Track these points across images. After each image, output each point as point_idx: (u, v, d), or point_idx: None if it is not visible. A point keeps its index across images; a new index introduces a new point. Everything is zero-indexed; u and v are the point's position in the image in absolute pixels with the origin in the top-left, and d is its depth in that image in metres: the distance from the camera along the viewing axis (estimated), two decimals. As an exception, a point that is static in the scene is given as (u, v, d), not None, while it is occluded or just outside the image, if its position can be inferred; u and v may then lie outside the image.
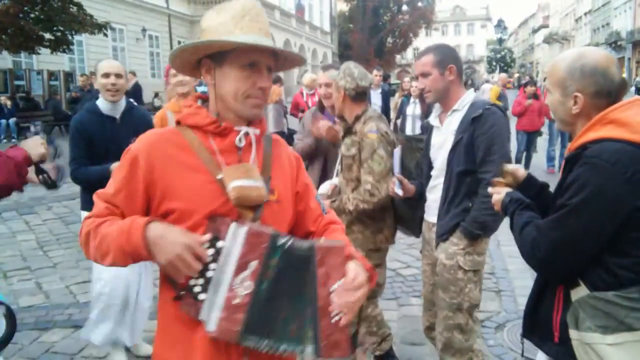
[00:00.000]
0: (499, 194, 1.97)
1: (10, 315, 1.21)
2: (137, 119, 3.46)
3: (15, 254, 5.91)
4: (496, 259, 5.36)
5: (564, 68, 1.74)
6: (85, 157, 3.31)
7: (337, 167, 3.34)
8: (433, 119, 2.82)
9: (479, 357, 2.72)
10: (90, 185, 3.35)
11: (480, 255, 2.64)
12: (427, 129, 2.94)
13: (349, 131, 3.10)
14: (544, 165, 10.34)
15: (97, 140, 3.31)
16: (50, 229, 6.89)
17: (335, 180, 3.32)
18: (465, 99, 2.66)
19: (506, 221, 2.05)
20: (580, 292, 1.66)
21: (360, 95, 3.07)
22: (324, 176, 3.72)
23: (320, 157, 3.78)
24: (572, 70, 1.72)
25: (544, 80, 12.18)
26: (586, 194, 1.58)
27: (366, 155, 2.98)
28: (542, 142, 11.15)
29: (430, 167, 2.81)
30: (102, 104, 3.39)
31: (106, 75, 3.32)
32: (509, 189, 1.96)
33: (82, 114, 3.45)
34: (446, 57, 2.66)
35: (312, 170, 3.83)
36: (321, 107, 3.90)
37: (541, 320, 1.82)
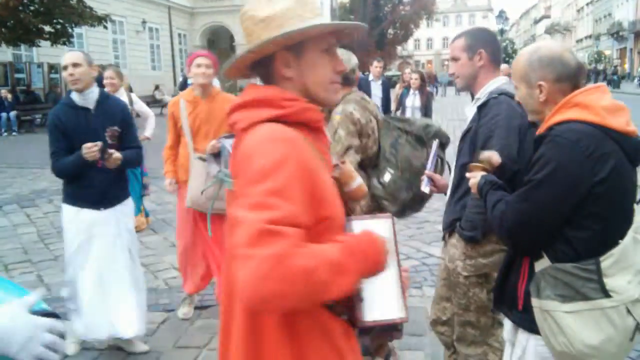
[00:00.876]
0: (475, 177, 2.04)
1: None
2: (111, 108, 3.46)
3: (17, 247, 5.92)
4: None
5: (524, 62, 1.89)
6: (64, 150, 3.32)
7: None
8: (468, 111, 2.63)
9: (496, 354, 2.56)
10: (73, 177, 3.40)
11: (486, 257, 2.45)
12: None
13: (327, 118, 3.06)
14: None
15: (72, 132, 3.31)
16: (52, 222, 6.89)
17: None
18: (488, 87, 2.47)
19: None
20: (543, 264, 1.79)
21: (343, 80, 3.06)
22: None
23: None
24: (531, 62, 1.87)
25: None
26: (550, 169, 1.72)
27: (330, 136, 2.96)
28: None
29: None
30: (75, 95, 3.39)
31: (64, 67, 3.33)
32: (484, 173, 2.03)
33: (58, 107, 3.46)
34: (477, 41, 2.49)
35: None
36: None
37: (508, 291, 1.96)
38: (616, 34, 46.54)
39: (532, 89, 1.87)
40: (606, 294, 1.69)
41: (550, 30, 70.82)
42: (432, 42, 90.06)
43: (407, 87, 9.14)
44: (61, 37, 18.13)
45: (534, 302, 1.79)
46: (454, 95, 28.76)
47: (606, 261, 1.70)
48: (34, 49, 20.10)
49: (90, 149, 3.19)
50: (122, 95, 3.38)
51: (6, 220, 7.03)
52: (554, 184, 1.71)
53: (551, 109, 1.84)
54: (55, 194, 8.30)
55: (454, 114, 18.62)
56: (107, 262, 3.44)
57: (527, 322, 1.86)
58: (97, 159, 3.22)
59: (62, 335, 1.19)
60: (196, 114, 3.89)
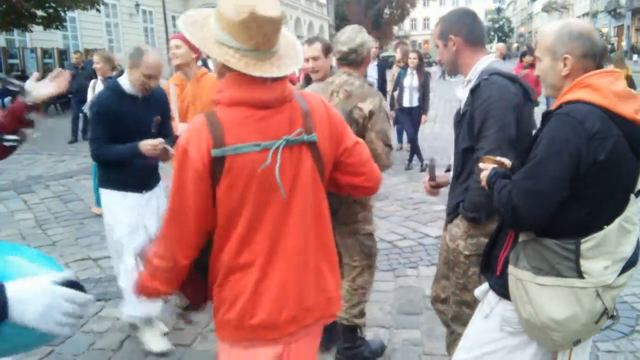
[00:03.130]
0: (486, 170, 2.05)
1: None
2: (156, 97, 3.47)
3: (14, 233, 5.94)
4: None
5: (553, 34, 1.90)
6: (105, 136, 3.31)
7: None
8: (459, 92, 2.67)
9: None
10: (115, 164, 3.38)
11: (487, 237, 2.41)
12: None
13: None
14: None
15: (118, 119, 3.29)
16: (49, 208, 6.91)
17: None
18: (477, 68, 2.47)
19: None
20: (527, 236, 1.87)
21: (342, 60, 3.11)
22: None
23: None
24: (561, 35, 1.87)
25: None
26: (554, 145, 1.76)
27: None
28: (539, 112, 11.09)
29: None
30: (125, 83, 3.34)
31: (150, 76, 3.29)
32: (495, 166, 2.02)
33: (106, 94, 3.41)
34: (447, 26, 2.52)
35: None
36: (308, 81, 3.86)
37: (493, 258, 2.06)
38: (613, 11, 46.23)
39: (556, 62, 1.89)
40: (580, 274, 1.75)
41: (548, 8, 70.30)
42: (428, 21, 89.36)
43: (403, 67, 9.08)
44: (54, 22, 17.93)
45: (511, 269, 1.89)
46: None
47: (587, 243, 1.75)
48: (27, 33, 19.90)
49: (154, 147, 3.21)
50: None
51: (3, 206, 7.04)
52: (557, 160, 1.74)
53: (568, 84, 1.86)
54: (51, 180, 8.31)
55: (452, 94, 18.56)
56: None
57: (500, 287, 1.98)
58: (158, 156, 3.27)
59: (84, 306, 1.23)
60: (184, 96, 3.91)
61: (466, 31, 2.49)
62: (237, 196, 1.65)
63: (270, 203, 1.69)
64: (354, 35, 3.09)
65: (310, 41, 3.67)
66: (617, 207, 1.80)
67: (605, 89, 1.77)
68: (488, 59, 2.50)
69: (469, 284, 2.56)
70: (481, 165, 2.09)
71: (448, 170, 2.83)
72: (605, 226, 1.76)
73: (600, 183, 1.75)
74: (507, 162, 2.06)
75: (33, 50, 21.12)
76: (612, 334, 3.49)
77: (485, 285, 2.13)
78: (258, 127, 1.65)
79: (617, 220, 1.77)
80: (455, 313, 2.69)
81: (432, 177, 2.82)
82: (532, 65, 10.05)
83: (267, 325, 1.71)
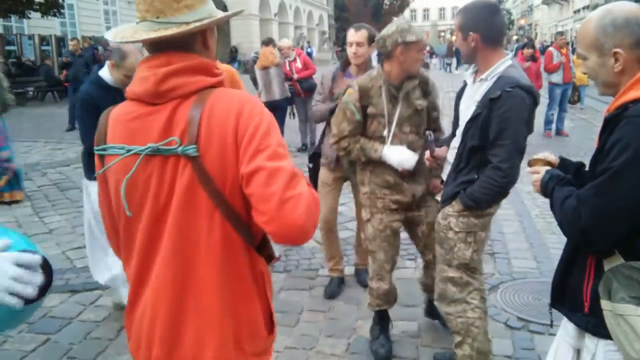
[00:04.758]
0: (537, 173, 1.87)
1: (45, 265, 1.23)
2: None
3: (11, 221, 5.90)
4: (492, 222, 5.39)
5: (594, 28, 1.65)
6: (93, 128, 3.29)
7: (391, 134, 3.10)
8: (468, 76, 2.74)
9: (475, 312, 2.71)
10: None
11: (478, 218, 2.62)
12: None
13: (414, 87, 3.10)
14: (541, 129, 10.30)
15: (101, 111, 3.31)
16: (46, 195, 6.88)
17: (399, 146, 3.10)
18: (495, 70, 2.51)
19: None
20: (614, 261, 1.60)
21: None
22: None
23: None
24: (603, 26, 1.63)
25: (543, 42, 12.05)
26: (630, 155, 1.50)
27: (437, 93, 3.26)
28: (540, 106, 11.06)
29: (457, 124, 2.76)
30: (106, 75, 3.41)
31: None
32: (548, 167, 1.87)
33: (89, 87, 3.47)
34: (467, 22, 2.52)
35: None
36: (345, 65, 3.88)
37: (570, 290, 1.78)
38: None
39: (605, 58, 1.63)
40: None
41: (548, 1, 70.02)
42: (428, 12, 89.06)
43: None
44: (52, 8, 17.81)
45: (604, 304, 1.59)
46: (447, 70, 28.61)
47: None
48: (25, 20, 19.78)
49: None
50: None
51: (0, 193, 6.98)
52: (636, 173, 1.50)
53: (628, 80, 1.61)
54: (48, 167, 8.27)
55: (450, 86, 18.50)
56: None
57: (596, 327, 1.68)
58: None
59: (34, 269, 1.18)
60: None
61: (485, 29, 2.49)
62: (115, 202, 1.49)
63: (139, 219, 1.44)
64: (406, 26, 3.02)
65: (357, 27, 3.74)
66: None
67: None
68: (505, 63, 2.53)
69: (454, 259, 2.69)
70: (530, 169, 1.93)
71: (441, 145, 2.95)
72: None
73: None
74: (554, 158, 1.93)
75: (31, 37, 21.00)
76: None
77: (571, 328, 1.84)
78: (130, 127, 1.43)
79: None
80: (441, 291, 2.78)
81: (432, 150, 2.90)
82: (533, 58, 10.01)
83: (132, 355, 1.57)
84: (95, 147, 1.49)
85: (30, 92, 18.65)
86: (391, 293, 3.30)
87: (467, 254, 2.66)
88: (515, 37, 48.31)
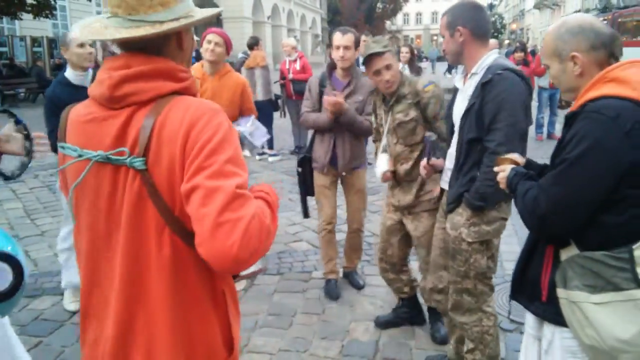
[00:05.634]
0: (504, 171, 1.95)
1: (15, 267, 1.22)
2: None
3: (2, 223, 5.86)
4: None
5: (553, 38, 1.79)
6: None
7: (385, 141, 3.29)
8: (457, 81, 2.73)
9: (490, 319, 2.70)
10: None
11: (489, 224, 2.56)
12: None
13: (398, 99, 3.14)
14: (532, 133, 10.38)
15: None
16: (38, 197, 6.84)
17: (385, 157, 3.27)
18: (484, 62, 2.52)
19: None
20: (570, 252, 1.69)
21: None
22: (334, 144, 3.80)
23: (336, 130, 3.78)
24: (560, 35, 1.77)
25: (535, 46, 12.15)
26: (586, 147, 1.60)
27: (437, 108, 3.11)
28: (532, 109, 11.13)
29: (453, 132, 2.73)
30: (71, 75, 3.49)
31: (82, 45, 3.42)
32: (514, 166, 1.95)
33: (55, 86, 3.54)
34: (455, 17, 2.55)
35: (322, 142, 3.84)
36: (329, 72, 3.87)
37: (529, 281, 1.85)
38: (605, 8, 46.46)
39: (565, 63, 1.76)
40: (639, 284, 1.56)
41: (539, 5, 70.46)
42: (421, 16, 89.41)
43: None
44: (44, 10, 17.74)
45: (560, 292, 1.69)
46: (443, 73, 28.70)
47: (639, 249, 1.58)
48: (17, 21, 19.68)
49: None
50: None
51: (-9, 195, 6.95)
52: (591, 163, 1.59)
53: (587, 82, 1.72)
54: (40, 170, 8.22)
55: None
56: None
57: (553, 315, 1.77)
58: None
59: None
60: (203, 91, 3.84)
61: (474, 23, 2.53)
62: (71, 204, 1.43)
63: (88, 228, 1.38)
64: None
65: (344, 31, 3.75)
66: None
67: (633, 80, 1.63)
68: (493, 54, 2.56)
69: (471, 271, 2.63)
70: (497, 168, 2.01)
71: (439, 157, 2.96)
72: None
73: None
74: (521, 158, 2.00)
75: (22, 38, 20.91)
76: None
77: (530, 317, 1.94)
78: (85, 129, 1.36)
79: None
80: (455, 302, 2.75)
81: (429, 157, 2.91)
82: (525, 62, 10.07)
83: None
84: (58, 143, 1.43)
85: (22, 94, 18.55)
86: (394, 282, 3.53)
87: (482, 263, 2.61)
88: (507, 42, 48.62)
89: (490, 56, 2.54)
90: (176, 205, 1.28)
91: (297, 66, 8.87)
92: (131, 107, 1.31)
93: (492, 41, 13.87)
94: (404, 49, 8.93)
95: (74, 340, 3.47)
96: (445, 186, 2.80)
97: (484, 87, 2.42)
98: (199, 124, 1.25)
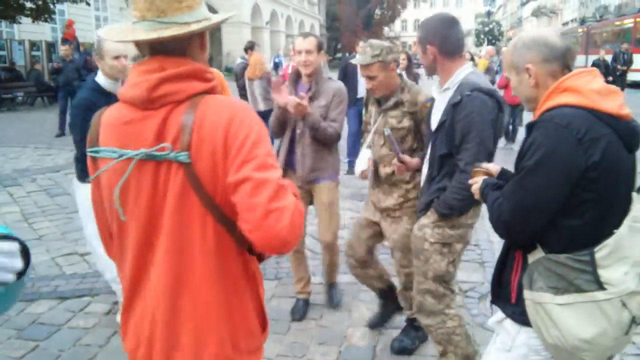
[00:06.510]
0: (477, 182, 2.03)
1: (24, 250, 1.25)
2: None
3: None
4: (480, 231, 5.43)
5: (510, 52, 1.91)
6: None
7: (369, 140, 3.30)
8: (434, 91, 2.77)
9: (454, 320, 2.76)
10: None
11: (453, 229, 2.64)
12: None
13: (395, 104, 3.14)
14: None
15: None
16: (35, 201, 6.83)
17: (368, 153, 3.27)
18: (456, 78, 2.58)
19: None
20: (536, 255, 1.76)
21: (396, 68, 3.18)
22: (292, 146, 3.62)
23: (288, 126, 3.64)
24: (516, 48, 1.88)
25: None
26: (541, 155, 1.68)
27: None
28: (527, 116, 11.18)
29: (430, 139, 2.77)
30: (102, 81, 3.42)
31: (117, 57, 3.35)
32: (486, 177, 2.03)
33: (87, 92, 3.43)
34: (425, 34, 2.60)
35: (283, 142, 3.68)
36: (296, 77, 3.76)
37: (504, 284, 1.92)
38: (602, 17, 46.70)
39: (522, 75, 1.86)
40: (600, 286, 1.63)
41: (537, 13, 70.80)
42: (419, 23, 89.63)
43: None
44: (43, 14, 17.76)
45: (526, 294, 1.76)
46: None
47: (601, 252, 1.65)
48: (15, 25, 19.70)
49: None
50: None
51: (-12, 199, 6.93)
52: (547, 170, 1.67)
53: (543, 93, 1.81)
54: (37, 173, 8.22)
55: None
56: None
57: (519, 315, 1.83)
58: None
59: (13, 255, 1.19)
60: None
61: (440, 42, 2.59)
62: (108, 205, 1.52)
63: (133, 223, 1.47)
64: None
65: (305, 35, 3.63)
66: (622, 208, 1.71)
67: (585, 88, 1.71)
68: (465, 71, 2.60)
69: (429, 272, 2.71)
70: (471, 180, 2.10)
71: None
72: (615, 230, 1.67)
73: (602, 185, 1.67)
74: (494, 169, 2.07)
75: (21, 42, 20.92)
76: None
77: (499, 315, 1.98)
78: (123, 131, 1.44)
79: (626, 222, 1.68)
80: (419, 303, 2.81)
81: (396, 151, 2.92)
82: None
83: (130, 356, 1.59)
84: (88, 149, 1.50)
85: (20, 97, 18.54)
86: (364, 279, 3.55)
87: (442, 265, 2.68)
88: (504, 48, 48.83)
89: (462, 72, 2.59)
90: (217, 194, 1.40)
91: None
92: (167, 107, 1.41)
93: (489, 48, 14.03)
94: (401, 56, 8.97)
95: (71, 344, 3.47)
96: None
97: (454, 107, 2.50)
98: (237, 120, 1.38)
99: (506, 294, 1.90)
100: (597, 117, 1.68)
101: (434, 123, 2.68)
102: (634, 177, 1.79)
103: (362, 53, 3.08)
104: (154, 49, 1.44)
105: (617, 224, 1.68)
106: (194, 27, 1.41)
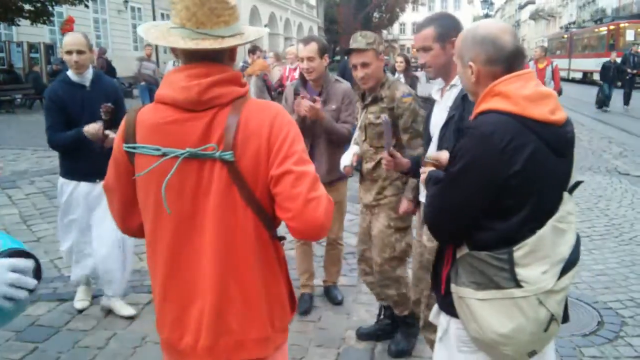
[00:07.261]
0: (424, 174, 2.03)
1: (37, 268, 1.28)
2: (105, 87, 3.76)
3: (-2, 228, 5.86)
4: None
5: (460, 39, 1.85)
6: (60, 124, 3.60)
7: (356, 135, 3.34)
8: (434, 93, 2.72)
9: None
10: (67, 150, 3.70)
11: None
12: (428, 102, 2.87)
13: (374, 99, 3.15)
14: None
15: (69, 106, 3.60)
16: (34, 203, 6.83)
17: (356, 148, 3.28)
18: None
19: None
20: (462, 251, 1.80)
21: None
22: (311, 154, 3.65)
23: (307, 135, 3.66)
24: (465, 40, 1.83)
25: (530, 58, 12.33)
26: (463, 163, 1.72)
27: (409, 121, 3.10)
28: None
29: (429, 142, 2.72)
30: (71, 74, 3.67)
31: (69, 52, 3.57)
32: (432, 169, 2.00)
33: (55, 84, 3.74)
34: (448, 29, 2.51)
35: None
36: (303, 81, 3.80)
37: (438, 277, 1.97)
38: (600, 20, 46.85)
39: (465, 68, 1.82)
40: (517, 283, 1.68)
41: (535, 16, 70.99)
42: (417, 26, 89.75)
43: (392, 72, 9.13)
44: (41, 16, 17.72)
45: (452, 288, 1.81)
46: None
47: (519, 251, 1.68)
48: (14, 27, 19.67)
49: (96, 130, 3.40)
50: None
51: (-13, 201, 6.93)
52: (468, 178, 1.71)
53: (482, 90, 1.78)
54: (36, 175, 8.21)
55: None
56: (102, 227, 3.72)
57: (447, 306, 1.88)
58: (99, 140, 3.42)
59: (28, 273, 1.23)
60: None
61: None
62: (142, 197, 1.62)
63: (173, 216, 1.57)
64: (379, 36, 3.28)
65: (305, 41, 3.63)
66: (547, 210, 1.73)
67: (515, 94, 1.69)
68: None
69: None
70: (421, 169, 2.06)
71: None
72: (537, 230, 1.70)
73: (524, 192, 1.68)
74: (443, 157, 1.98)
75: (19, 44, 20.87)
76: (597, 340, 3.54)
77: (436, 307, 2.04)
78: (166, 130, 1.53)
79: (550, 223, 1.71)
80: (426, 318, 2.65)
81: (388, 144, 2.63)
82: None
83: (169, 346, 1.68)
84: (125, 145, 1.60)
85: (18, 100, 18.52)
86: (374, 287, 3.51)
87: None
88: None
89: None
90: (257, 189, 1.55)
91: (296, 74, 8.94)
92: (214, 109, 1.53)
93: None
94: (399, 59, 9.01)
95: (70, 346, 3.47)
96: (423, 199, 2.76)
97: (464, 99, 2.42)
98: (278, 120, 1.54)
99: (438, 286, 1.95)
100: (524, 124, 1.67)
101: (436, 124, 2.62)
102: (566, 179, 1.80)
103: (356, 41, 3.11)
104: (191, 56, 1.55)
105: (540, 225, 1.71)
106: (226, 44, 1.54)
